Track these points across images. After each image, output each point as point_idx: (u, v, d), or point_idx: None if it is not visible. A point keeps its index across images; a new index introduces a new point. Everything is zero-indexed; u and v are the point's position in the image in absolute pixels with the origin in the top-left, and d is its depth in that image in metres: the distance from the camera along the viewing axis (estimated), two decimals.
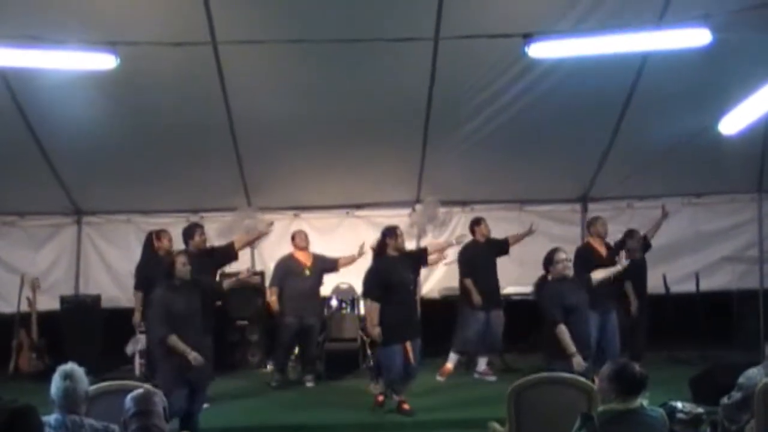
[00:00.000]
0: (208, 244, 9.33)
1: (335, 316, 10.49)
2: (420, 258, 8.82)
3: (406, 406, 8.29)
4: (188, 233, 9.05)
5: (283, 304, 9.85)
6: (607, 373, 4.44)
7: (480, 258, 10.00)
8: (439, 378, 9.87)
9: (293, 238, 10.07)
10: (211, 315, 8.32)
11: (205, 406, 8.54)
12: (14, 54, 7.45)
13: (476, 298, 9.80)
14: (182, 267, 7.37)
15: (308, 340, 9.91)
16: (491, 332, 9.95)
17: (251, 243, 10.36)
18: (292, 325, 9.76)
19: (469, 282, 9.90)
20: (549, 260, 7.50)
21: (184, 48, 8.11)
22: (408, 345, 8.21)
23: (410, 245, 10.86)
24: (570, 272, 7.53)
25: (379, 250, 8.46)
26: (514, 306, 10.12)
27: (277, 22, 8.12)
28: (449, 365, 10.00)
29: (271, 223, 10.37)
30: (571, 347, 7.09)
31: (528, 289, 8.52)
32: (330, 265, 10.00)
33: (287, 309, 9.80)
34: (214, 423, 7.92)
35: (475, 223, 10.22)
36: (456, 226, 11.24)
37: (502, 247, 10.13)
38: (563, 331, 7.14)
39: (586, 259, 8.95)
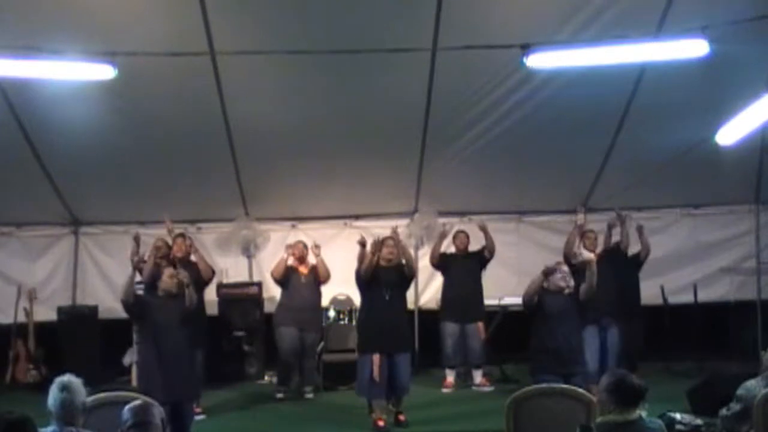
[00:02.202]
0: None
1: (333, 327, 10.45)
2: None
3: (401, 417, 8.22)
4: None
5: (281, 314, 9.84)
6: (605, 385, 4.43)
7: (455, 269, 10.02)
8: (444, 390, 9.85)
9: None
10: (199, 328, 8.30)
11: (201, 417, 8.52)
12: (12, 64, 7.47)
13: None
14: (168, 279, 7.38)
15: (306, 352, 9.85)
16: (469, 345, 9.94)
17: None
18: (291, 336, 9.69)
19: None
20: (551, 271, 7.68)
21: (182, 58, 8.14)
22: (376, 358, 8.02)
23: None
24: (564, 284, 7.64)
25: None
26: (513, 316, 10.10)
27: (275, 32, 8.13)
28: (449, 379, 10.01)
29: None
30: None
31: None
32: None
33: (285, 319, 9.77)
34: None
35: (454, 234, 10.26)
36: None
37: (481, 257, 10.10)
38: None
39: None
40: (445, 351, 10.00)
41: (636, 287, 10.05)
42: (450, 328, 9.94)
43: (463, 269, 10.04)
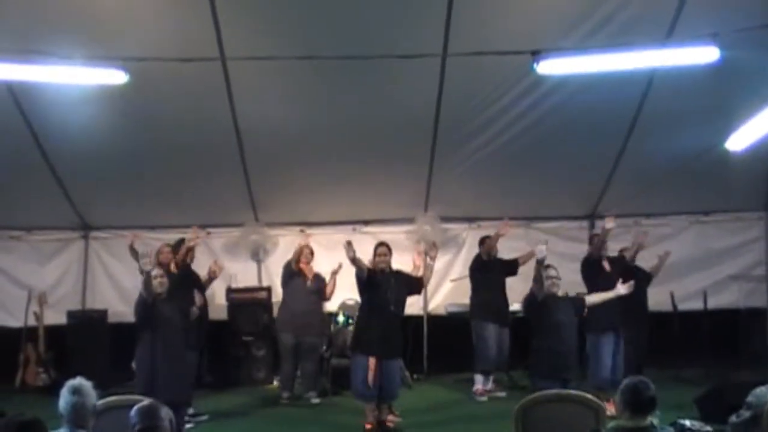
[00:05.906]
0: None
1: (341, 332, 10.40)
2: (412, 281, 8.52)
3: (388, 423, 8.28)
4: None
5: (282, 319, 9.87)
6: (621, 389, 4.46)
7: (487, 274, 10.01)
8: (480, 399, 9.74)
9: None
10: (195, 330, 8.38)
11: (204, 417, 8.57)
12: (23, 69, 7.50)
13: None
14: (156, 282, 7.41)
15: (307, 357, 9.85)
16: (502, 349, 9.93)
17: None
18: (288, 343, 9.77)
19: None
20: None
21: (193, 64, 8.16)
22: (372, 362, 8.03)
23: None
24: (557, 289, 7.67)
25: None
26: (521, 323, 10.08)
27: (285, 38, 8.14)
28: (479, 386, 9.86)
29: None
30: None
31: None
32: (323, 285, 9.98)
33: (285, 325, 9.83)
34: None
35: (481, 240, 10.24)
36: (464, 243, 11.23)
37: (510, 267, 10.12)
38: None
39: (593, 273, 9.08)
40: (485, 353, 9.84)
41: (644, 297, 10.06)
42: (489, 329, 9.86)
43: (495, 275, 10.09)
